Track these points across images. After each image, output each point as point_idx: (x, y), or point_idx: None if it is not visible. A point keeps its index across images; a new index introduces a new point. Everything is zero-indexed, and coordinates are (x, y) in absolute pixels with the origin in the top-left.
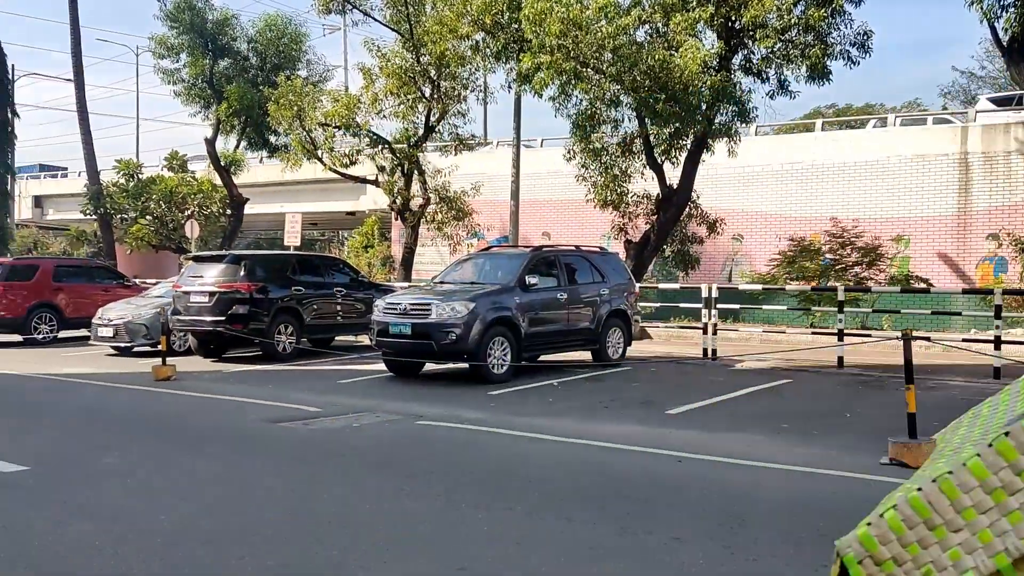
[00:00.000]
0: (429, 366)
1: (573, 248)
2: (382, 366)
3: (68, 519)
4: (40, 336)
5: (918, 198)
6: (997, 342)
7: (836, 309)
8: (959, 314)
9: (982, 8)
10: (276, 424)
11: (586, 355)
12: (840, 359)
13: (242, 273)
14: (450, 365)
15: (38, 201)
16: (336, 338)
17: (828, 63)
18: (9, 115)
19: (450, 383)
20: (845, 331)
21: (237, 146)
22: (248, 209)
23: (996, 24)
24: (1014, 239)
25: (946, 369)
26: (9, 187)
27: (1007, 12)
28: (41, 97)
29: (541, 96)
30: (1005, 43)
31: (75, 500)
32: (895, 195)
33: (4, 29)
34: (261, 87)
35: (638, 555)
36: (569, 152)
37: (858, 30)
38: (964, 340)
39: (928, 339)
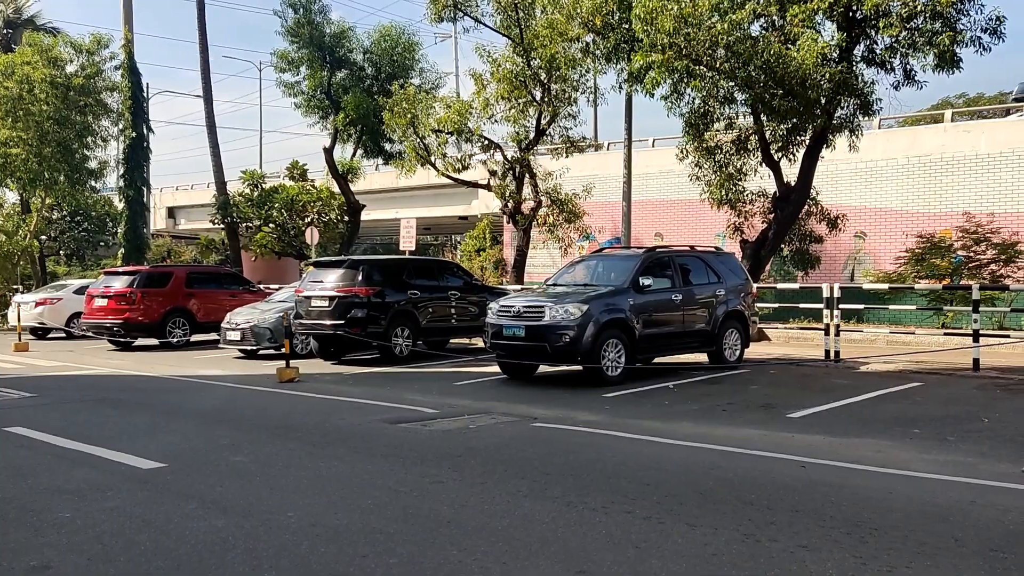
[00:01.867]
0: (543, 368)
1: (687, 248)
2: (496, 368)
3: (203, 514)
4: (174, 340)
5: None
6: None
7: (971, 308)
8: None
9: None
10: (395, 425)
11: (702, 357)
12: (976, 361)
13: (360, 278)
14: (564, 368)
15: (171, 212)
16: (451, 341)
17: (957, 50)
18: (144, 131)
19: (564, 385)
20: (981, 332)
21: (354, 154)
22: (364, 215)
23: None
24: None
25: None
26: (146, 199)
27: None
28: (173, 113)
29: (652, 96)
30: None
31: (209, 496)
32: None
33: (139, 49)
34: (376, 96)
35: (763, 563)
36: (682, 151)
37: (989, 15)
38: None
39: None
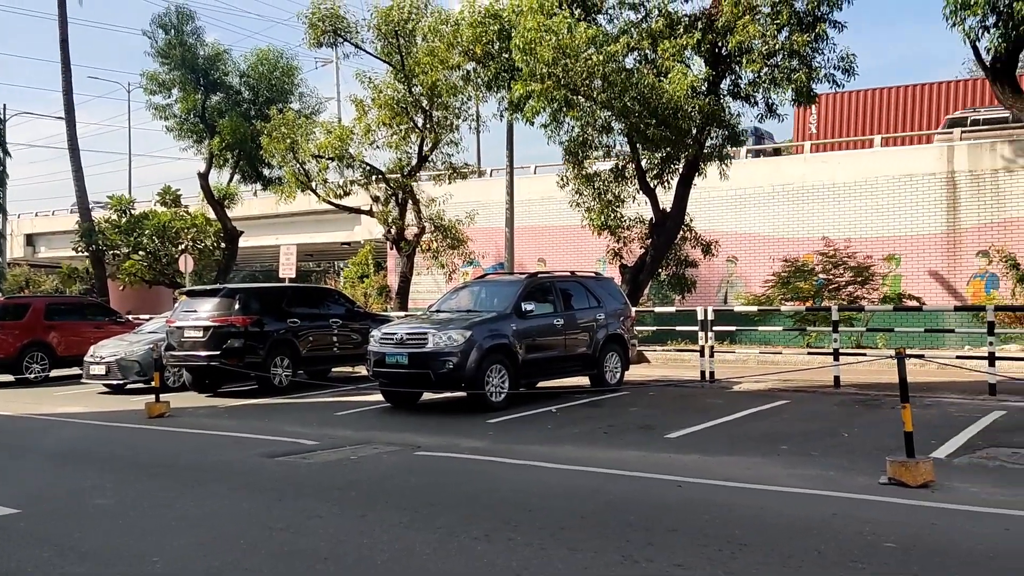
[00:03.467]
0: (426, 396)
1: (568, 274)
2: (379, 397)
3: (60, 562)
4: (32, 375)
5: (907, 217)
6: (991, 358)
7: (831, 329)
8: (952, 331)
9: (964, 29)
10: (273, 459)
11: (584, 380)
12: (836, 379)
13: (237, 307)
14: (448, 395)
15: (30, 239)
16: (333, 370)
17: (813, 86)
18: (1, 154)
19: (448, 412)
20: (840, 350)
21: (230, 180)
22: (243, 242)
23: (978, 44)
24: (1004, 256)
25: (941, 386)
26: (1, 226)
27: (989, 32)
28: (35, 134)
29: (533, 124)
30: (988, 63)
31: (67, 542)
32: (885, 214)
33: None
34: (254, 120)
35: None
36: (563, 178)
37: (841, 54)
38: (958, 357)
39: (922, 357)
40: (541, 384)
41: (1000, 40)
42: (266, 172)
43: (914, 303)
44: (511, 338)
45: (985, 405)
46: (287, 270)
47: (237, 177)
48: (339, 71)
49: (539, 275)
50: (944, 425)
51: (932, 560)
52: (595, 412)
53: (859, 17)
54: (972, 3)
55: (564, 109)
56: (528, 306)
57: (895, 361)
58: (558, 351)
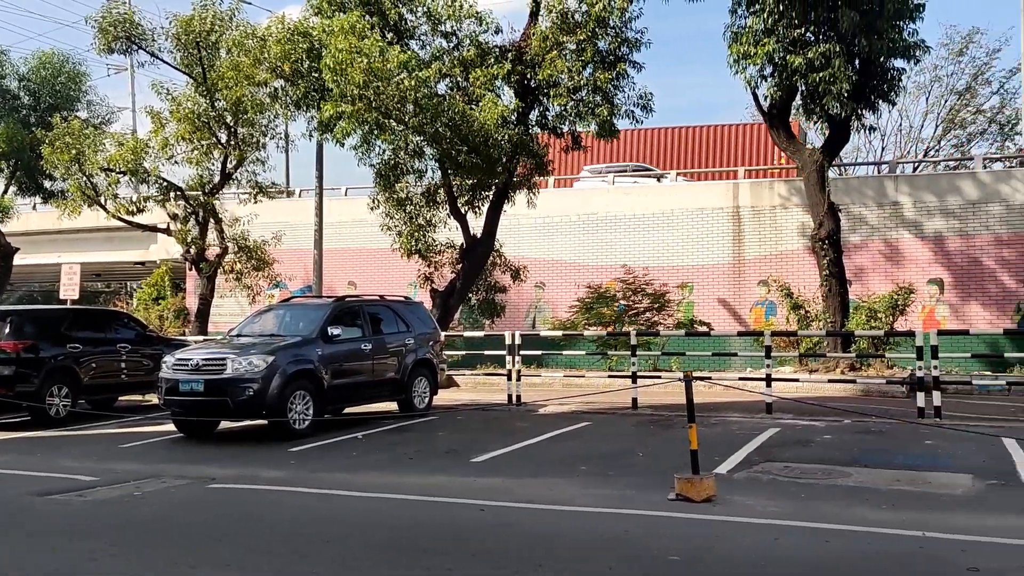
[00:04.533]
0: (225, 424)
1: (377, 298)
2: (172, 427)
3: None
4: None
5: (699, 248)
6: (768, 380)
7: (630, 353)
8: (735, 354)
9: (745, 77)
10: (44, 497)
11: (392, 406)
12: (635, 400)
13: (7, 331)
14: (248, 423)
15: None
16: (121, 398)
17: (615, 121)
18: None
19: (247, 441)
20: (638, 373)
21: (5, 191)
22: (20, 260)
23: (758, 91)
24: (780, 285)
25: (726, 406)
26: None
27: (767, 81)
28: None
29: (343, 145)
30: (766, 109)
31: None
32: (679, 245)
33: None
34: (34, 128)
35: None
36: (373, 201)
37: (641, 92)
38: (740, 378)
39: (709, 379)
40: (348, 410)
41: (776, 89)
42: (47, 184)
43: (704, 328)
44: (316, 363)
45: (763, 423)
46: (69, 290)
47: (13, 189)
48: (135, 80)
49: (347, 299)
50: (726, 443)
51: (710, 570)
52: (402, 438)
53: (658, 60)
54: (752, 54)
55: (375, 132)
56: (335, 330)
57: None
58: (366, 376)
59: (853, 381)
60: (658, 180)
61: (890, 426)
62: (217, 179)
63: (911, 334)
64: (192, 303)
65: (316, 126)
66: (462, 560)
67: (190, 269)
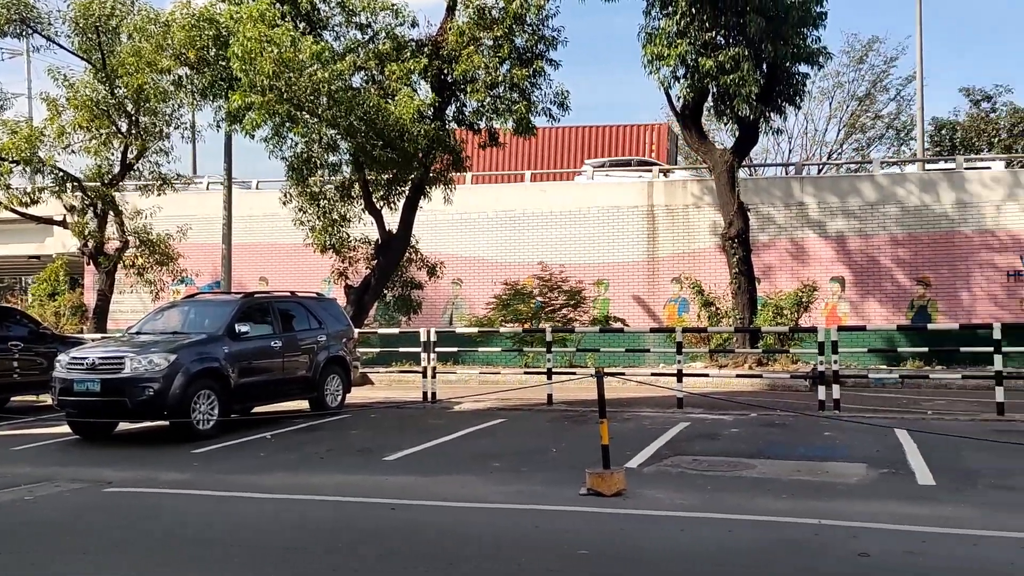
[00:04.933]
0: (124, 425)
1: (288, 294)
2: (67, 428)
3: None
4: None
5: (615, 245)
6: (679, 375)
7: (545, 349)
8: (648, 351)
9: (659, 78)
10: None
11: (304, 404)
12: (550, 396)
13: None
14: (148, 424)
15: None
16: (13, 399)
17: (532, 119)
18: None
19: (148, 443)
20: (554, 370)
21: None
22: None
23: (671, 92)
24: (692, 283)
25: (639, 401)
26: None
27: (679, 82)
28: None
29: (253, 137)
30: (679, 109)
31: None
32: (595, 242)
33: None
34: None
35: None
36: (286, 195)
37: (557, 90)
38: (653, 374)
39: (623, 374)
40: (258, 409)
41: (688, 90)
42: None
43: (619, 325)
44: (223, 361)
45: (673, 418)
46: None
47: None
48: (31, 65)
49: (256, 295)
50: (638, 437)
51: (618, 563)
52: (313, 437)
53: (575, 58)
54: (665, 55)
55: (287, 124)
56: (242, 327)
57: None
58: (276, 374)
59: (760, 376)
60: (665, 175)
61: (793, 419)
62: (117, 169)
63: (814, 330)
64: (91, 299)
65: (224, 116)
66: (370, 561)
67: (88, 264)
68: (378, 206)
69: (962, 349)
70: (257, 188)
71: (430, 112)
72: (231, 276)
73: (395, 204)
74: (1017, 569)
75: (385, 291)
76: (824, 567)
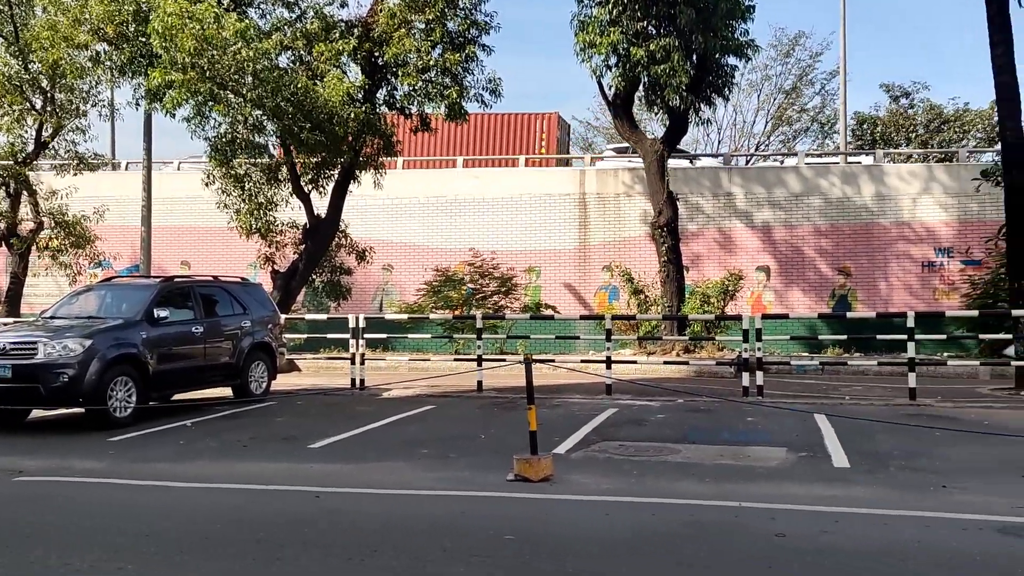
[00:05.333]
0: (37, 412)
1: (211, 278)
2: None
3: None
4: None
5: (546, 233)
6: (608, 362)
7: (476, 336)
8: (578, 338)
9: (591, 66)
10: None
11: (227, 392)
12: (479, 383)
13: None
14: (63, 411)
15: None
16: None
17: (464, 104)
18: None
19: (62, 431)
20: (484, 356)
21: None
22: None
23: (603, 81)
24: (623, 271)
25: (569, 388)
26: None
27: (611, 71)
28: None
29: (174, 116)
30: (610, 98)
31: None
32: (527, 229)
33: None
34: None
35: None
36: (208, 177)
37: (490, 76)
38: (583, 361)
39: (553, 361)
40: (178, 397)
41: (620, 79)
42: None
43: (549, 312)
44: (141, 347)
45: (602, 404)
46: None
47: None
48: None
49: (176, 279)
50: (567, 423)
51: (542, 547)
52: (236, 424)
53: (507, 44)
54: (597, 43)
55: (210, 103)
56: (162, 312)
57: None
58: (197, 360)
59: (687, 363)
60: (691, 162)
61: (718, 405)
62: (31, 148)
63: (739, 318)
64: (3, 283)
65: (144, 94)
66: (294, 549)
67: (0, 246)
68: (306, 190)
69: (879, 337)
70: (179, 169)
71: (360, 95)
72: (151, 260)
73: (324, 188)
74: (923, 546)
75: (313, 276)
76: (742, 548)
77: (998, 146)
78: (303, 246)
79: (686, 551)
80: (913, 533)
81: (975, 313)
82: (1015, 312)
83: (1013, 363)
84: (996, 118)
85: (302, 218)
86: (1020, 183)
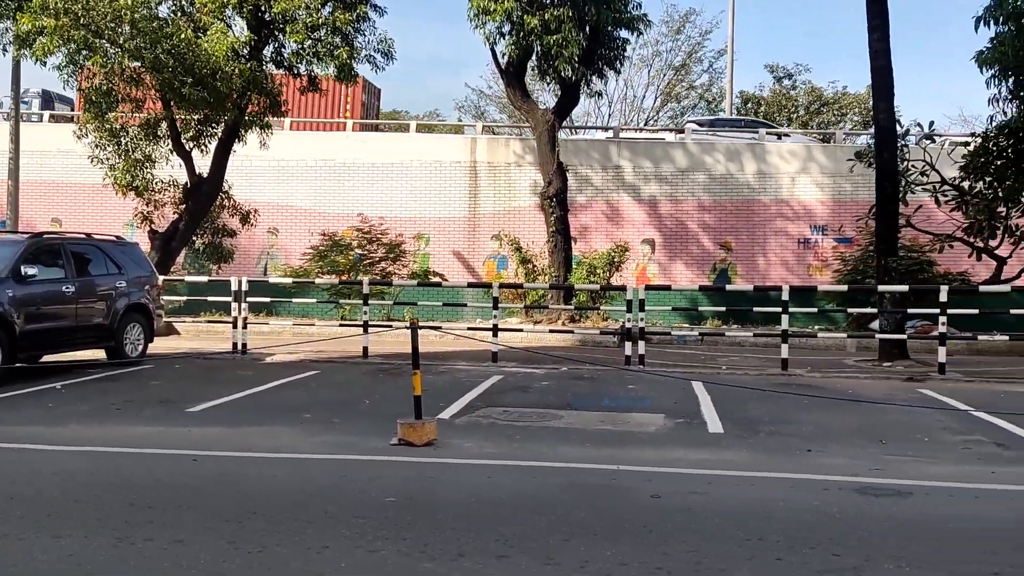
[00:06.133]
0: None
1: (84, 236)
2: None
3: None
4: None
5: (437, 200)
6: (495, 330)
7: (362, 302)
8: (466, 305)
9: (484, 33)
10: None
11: (101, 354)
12: (365, 349)
13: None
14: None
15: None
16: None
17: (355, 65)
18: None
19: None
20: (371, 323)
21: None
22: None
23: (496, 48)
24: (512, 240)
25: (455, 355)
26: None
27: (505, 39)
28: None
29: (45, 64)
30: (503, 66)
31: None
32: (417, 196)
33: None
34: None
35: (133, 564)
36: (81, 130)
37: (381, 38)
38: (469, 329)
39: (440, 328)
40: (49, 358)
41: (513, 47)
42: None
43: (437, 279)
44: (7, 306)
45: (488, 371)
46: None
47: None
48: None
49: (46, 236)
50: (452, 390)
51: (424, 509)
52: (110, 387)
53: (402, 8)
54: (492, 10)
55: (84, 52)
56: (30, 270)
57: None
58: (68, 321)
59: (572, 332)
60: (779, 138)
61: (601, 373)
62: None
63: (623, 289)
64: None
65: (12, 40)
66: (169, 512)
67: None
68: (188, 147)
69: (755, 309)
70: (51, 120)
71: (246, 51)
72: (18, 216)
73: (207, 146)
74: (788, 505)
75: (194, 238)
76: (620, 508)
77: (872, 129)
78: (184, 206)
79: (566, 512)
80: (779, 493)
81: (844, 288)
82: (881, 288)
83: (877, 336)
84: (871, 102)
85: (183, 176)
86: (890, 165)
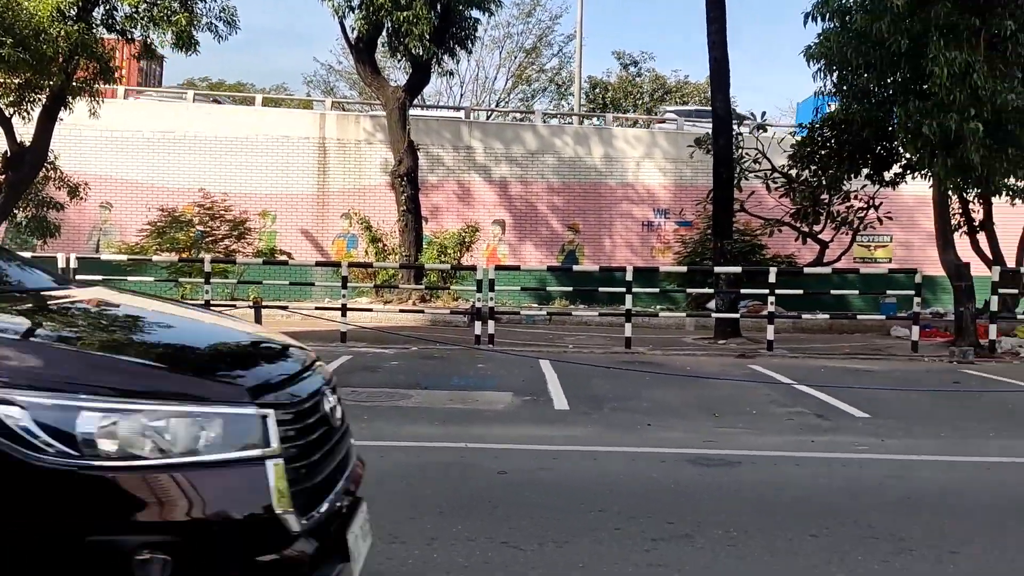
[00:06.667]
0: None
1: None
2: None
3: None
4: None
5: (284, 176)
6: (344, 310)
7: (204, 280)
8: (313, 284)
9: (333, 5)
10: None
11: None
12: None
13: None
14: None
15: None
16: None
17: (195, 33)
18: None
19: None
20: (212, 302)
21: None
22: None
23: (345, 22)
24: (361, 219)
25: (303, 335)
26: None
27: (354, 12)
28: None
29: None
30: (353, 41)
31: None
32: (263, 172)
33: None
34: None
35: None
36: None
37: (223, 6)
38: (317, 308)
39: (286, 308)
40: None
41: (363, 22)
42: None
43: (284, 258)
44: None
45: (336, 351)
46: None
47: None
48: None
49: None
50: None
51: None
52: None
53: None
54: None
55: None
56: None
57: (271, 313)
58: None
59: (423, 311)
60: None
61: (451, 352)
62: None
63: (473, 268)
64: None
65: None
66: None
67: None
68: (7, 113)
69: (601, 289)
70: None
71: (73, 12)
72: None
73: (29, 113)
74: (627, 476)
75: (16, 211)
76: (467, 485)
77: (710, 117)
78: (4, 176)
79: (416, 489)
80: (620, 466)
81: (684, 269)
82: (717, 269)
83: (714, 315)
84: (709, 91)
85: (2, 145)
86: (726, 153)
